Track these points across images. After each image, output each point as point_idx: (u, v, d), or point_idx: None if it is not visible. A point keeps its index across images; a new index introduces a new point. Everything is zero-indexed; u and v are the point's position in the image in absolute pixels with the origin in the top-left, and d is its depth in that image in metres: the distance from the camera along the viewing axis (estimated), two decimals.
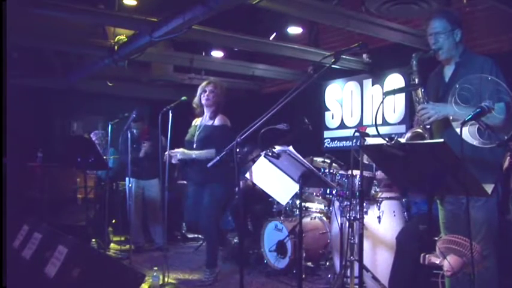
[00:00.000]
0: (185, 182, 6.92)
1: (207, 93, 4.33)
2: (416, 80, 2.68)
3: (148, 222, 5.92)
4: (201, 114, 4.45)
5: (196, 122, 4.48)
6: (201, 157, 4.19)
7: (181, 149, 4.25)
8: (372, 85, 6.46)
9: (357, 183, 3.82)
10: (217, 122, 4.31)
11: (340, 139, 6.85)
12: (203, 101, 4.34)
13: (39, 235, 3.56)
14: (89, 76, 6.98)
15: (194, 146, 4.30)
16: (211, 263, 4.35)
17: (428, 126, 2.64)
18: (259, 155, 3.09)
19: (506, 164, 2.79)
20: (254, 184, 4.08)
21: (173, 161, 4.24)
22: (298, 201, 3.54)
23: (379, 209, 3.84)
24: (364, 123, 6.51)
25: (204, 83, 4.45)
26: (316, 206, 5.05)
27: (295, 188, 3.08)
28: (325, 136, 7.08)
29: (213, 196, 4.25)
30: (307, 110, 5.55)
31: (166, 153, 4.22)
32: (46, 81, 7.25)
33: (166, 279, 4.09)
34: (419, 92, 2.64)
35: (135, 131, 5.65)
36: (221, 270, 4.50)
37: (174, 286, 4.18)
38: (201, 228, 4.45)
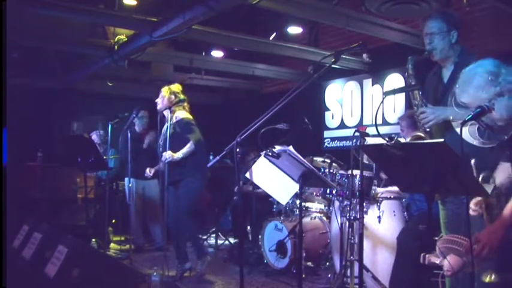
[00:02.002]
0: None
1: (158, 99, 4.51)
2: (413, 83, 2.68)
3: (148, 222, 5.92)
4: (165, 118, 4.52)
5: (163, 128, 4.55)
6: (185, 154, 4.29)
7: (169, 152, 4.27)
8: (372, 85, 6.46)
9: (357, 183, 3.82)
10: (174, 119, 4.40)
11: (340, 139, 6.85)
12: (157, 107, 4.51)
13: (39, 235, 3.56)
14: (89, 76, 6.98)
15: (161, 149, 4.40)
16: (200, 253, 4.44)
17: (428, 130, 2.64)
18: (258, 156, 3.09)
19: None
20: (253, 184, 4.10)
21: (163, 159, 4.32)
22: (298, 201, 3.54)
23: (379, 209, 3.84)
24: (364, 123, 6.50)
25: None
26: (316, 206, 5.05)
27: (295, 188, 3.08)
28: (325, 136, 7.08)
29: (189, 193, 4.32)
30: (307, 110, 5.55)
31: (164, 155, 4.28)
32: (46, 81, 7.25)
33: (166, 279, 4.08)
34: (417, 94, 2.65)
35: (137, 123, 5.65)
36: (211, 258, 4.60)
37: (173, 285, 4.18)
38: (181, 224, 4.44)
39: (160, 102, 4.47)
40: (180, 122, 4.38)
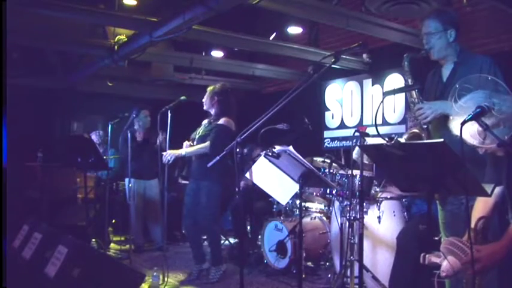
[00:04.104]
0: (187, 182, 6.97)
1: (204, 98, 4.48)
2: (410, 81, 2.70)
3: (148, 222, 5.92)
4: (210, 115, 4.55)
5: (205, 121, 4.57)
6: (193, 153, 4.29)
7: (169, 151, 4.28)
8: (372, 85, 6.46)
9: (356, 183, 3.82)
10: (219, 122, 4.37)
11: (340, 139, 6.85)
12: (204, 107, 4.50)
13: (39, 235, 3.56)
14: (89, 76, 6.98)
15: (194, 143, 4.41)
16: (216, 260, 4.38)
17: (425, 126, 2.65)
18: (259, 155, 3.09)
19: None
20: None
21: (164, 161, 4.30)
22: (298, 201, 3.54)
23: (379, 209, 3.84)
24: (364, 123, 6.51)
25: None
26: (316, 206, 5.05)
27: (295, 188, 3.08)
28: (325, 136, 7.08)
29: (209, 195, 4.28)
30: (307, 110, 5.56)
31: (164, 155, 4.27)
32: (46, 81, 7.25)
33: (166, 279, 4.09)
34: (414, 92, 2.66)
35: (140, 122, 5.66)
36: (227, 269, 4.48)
37: (174, 286, 4.18)
38: (201, 228, 4.45)
39: (205, 103, 4.45)
40: (218, 125, 4.31)
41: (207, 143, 4.23)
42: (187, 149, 4.33)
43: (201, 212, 4.31)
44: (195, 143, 4.41)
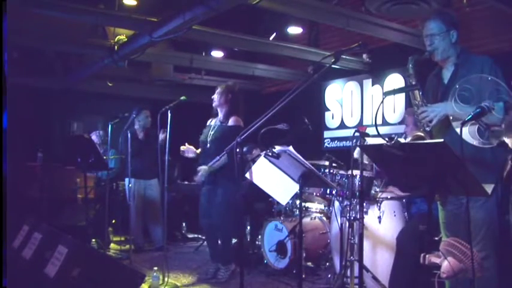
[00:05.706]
0: (186, 182, 6.95)
1: (215, 95, 4.47)
2: (414, 83, 2.69)
3: (148, 222, 5.92)
4: (217, 115, 4.53)
5: (211, 122, 4.55)
6: (221, 165, 4.25)
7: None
8: (372, 85, 6.46)
9: (357, 183, 3.82)
10: (230, 122, 4.36)
11: (340, 139, 6.85)
12: (213, 104, 4.50)
13: (39, 235, 3.56)
14: (89, 76, 6.98)
15: (207, 146, 4.38)
16: (226, 260, 4.39)
17: (428, 129, 2.63)
18: (259, 155, 3.09)
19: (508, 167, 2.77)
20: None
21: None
22: (298, 201, 3.54)
23: (379, 209, 3.84)
24: (364, 123, 6.51)
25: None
26: (316, 206, 5.05)
27: (295, 188, 3.08)
28: (325, 136, 7.08)
29: (224, 195, 4.29)
30: (307, 110, 5.55)
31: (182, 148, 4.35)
32: (46, 81, 7.25)
33: (166, 279, 4.09)
34: (417, 94, 2.65)
35: (140, 123, 5.67)
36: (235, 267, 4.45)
37: (175, 286, 4.18)
38: (215, 226, 4.43)
39: (217, 99, 4.45)
40: (232, 128, 4.29)
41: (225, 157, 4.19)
42: (215, 165, 4.25)
43: (216, 210, 4.32)
44: (207, 145, 4.37)
